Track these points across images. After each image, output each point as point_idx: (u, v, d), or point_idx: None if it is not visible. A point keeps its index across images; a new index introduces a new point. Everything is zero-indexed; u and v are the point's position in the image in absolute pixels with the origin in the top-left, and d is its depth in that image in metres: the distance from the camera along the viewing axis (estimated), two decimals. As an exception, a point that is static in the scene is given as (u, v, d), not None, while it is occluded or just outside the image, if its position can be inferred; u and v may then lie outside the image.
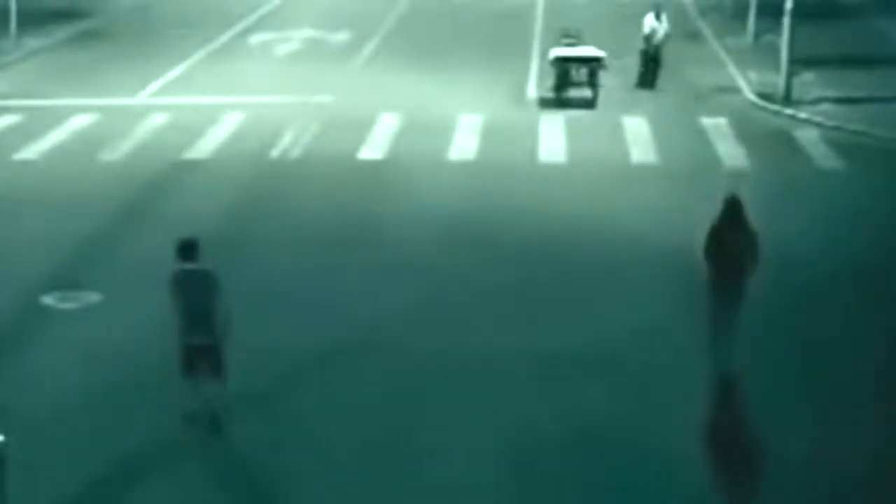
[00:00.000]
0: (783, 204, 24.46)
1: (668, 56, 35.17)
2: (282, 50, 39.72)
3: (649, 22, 33.54)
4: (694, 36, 41.95)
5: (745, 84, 34.14)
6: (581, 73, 32.14)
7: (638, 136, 29.39)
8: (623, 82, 34.43)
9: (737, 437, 15.32)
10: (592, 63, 31.90)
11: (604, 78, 32.63)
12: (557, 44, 33.91)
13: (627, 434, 15.44)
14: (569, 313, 19.11)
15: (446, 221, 23.32)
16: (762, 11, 37.62)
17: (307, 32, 42.74)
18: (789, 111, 31.30)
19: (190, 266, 15.00)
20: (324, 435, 15.37)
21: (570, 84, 32.19)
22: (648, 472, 14.54)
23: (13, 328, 18.47)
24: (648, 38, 33.50)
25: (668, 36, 33.53)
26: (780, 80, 32.27)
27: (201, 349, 15.08)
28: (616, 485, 14.29)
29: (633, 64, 35.52)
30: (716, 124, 30.45)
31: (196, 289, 14.91)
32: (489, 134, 29.49)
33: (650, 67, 33.63)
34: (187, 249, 15.00)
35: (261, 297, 19.54)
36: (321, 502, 13.89)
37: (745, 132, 29.73)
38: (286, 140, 28.85)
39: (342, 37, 41.91)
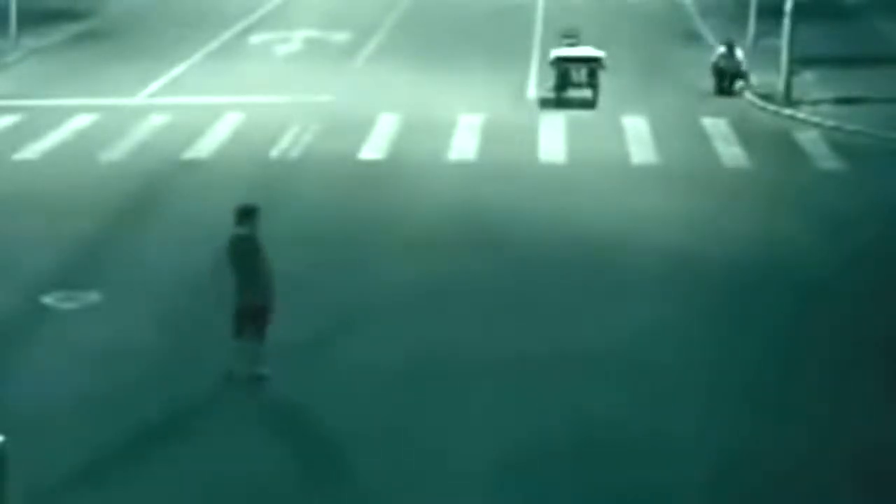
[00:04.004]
0: (783, 204, 24.46)
1: (668, 57, 35.18)
2: (282, 50, 39.72)
3: (718, 51, 33.93)
4: (694, 36, 41.95)
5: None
6: (581, 73, 32.16)
7: (638, 136, 29.38)
8: (623, 82, 34.43)
9: None
10: (592, 63, 31.91)
11: (603, 78, 32.63)
12: (557, 44, 33.93)
13: (628, 434, 15.44)
14: (569, 313, 19.10)
15: (446, 221, 23.32)
16: (762, 12, 37.64)
17: (307, 32, 42.74)
18: (789, 111, 31.30)
19: (238, 231, 16.14)
20: (323, 431, 15.40)
21: (570, 84, 32.20)
22: (651, 473, 14.54)
23: (13, 328, 18.47)
24: (717, 63, 33.60)
25: (740, 63, 33.32)
26: (780, 81, 32.27)
27: (250, 310, 16.20)
28: (618, 486, 14.29)
29: (631, 63, 35.52)
30: (716, 124, 30.45)
31: (242, 253, 16.06)
32: (489, 134, 29.48)
33: (729, 80, 33.37)
34: (238, 215, 16.17)
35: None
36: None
37: (746, 132, 29.73)
38: (286, 140, 28.85)
39: (342, 37, 41.91)
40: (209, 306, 18.31)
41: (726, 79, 33.34)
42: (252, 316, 16.34)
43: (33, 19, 42.71)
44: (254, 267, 16.17)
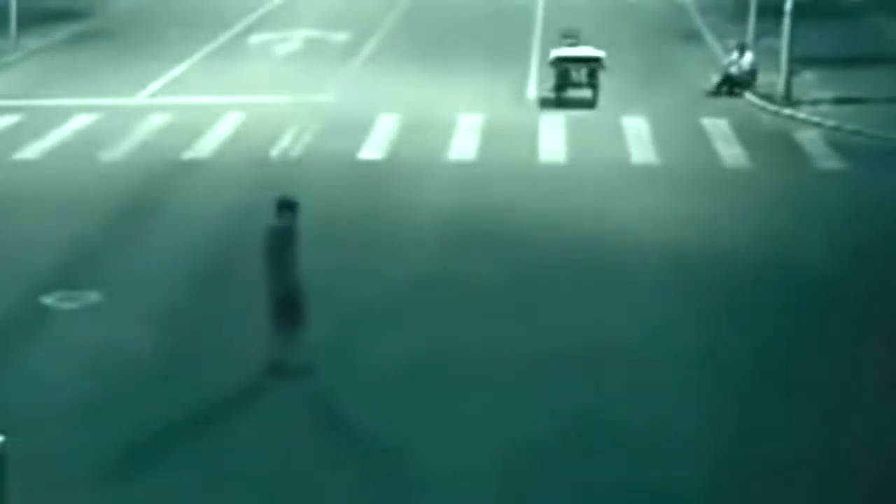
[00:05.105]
0: (783, 204, 24.46)
1: (668, 57, 35.14)
2: (282, 50, 39.72)
3: (731, 57, 33.99)
4: (694, 36, 41.95)
5: (745, 84, 34.16)
6: (581, 74, 32.15)
7: (638, 136, 29.38)
8: (623, 82, 34.43)
9: None
10: (592, 63, 31.91)
11: (603, 78, 32.61)
12: (557, 44, 33.93)
13: (628, 433, 15.44)
14: (569, 313, 19.11)
15: (446, 221, 23.32)
16: (762, 11, 37.64)
17: (307, 32, 42.74)
18: (789, 111, 31.30)
19: (276, 223, 16.49)
20: (325, 430, 15.41)
21: (570, 84, 32.19)
22: (651, 472, 14.54)
23: (13, 328, 18.47)
24: (726, 67, 33.64)
25: (752, 66, 33.24)
26: (780, 80, 32.27)
27: (285, 301, 16.53)
28: (618, 485, 14.29)
29: (631, 63, 35.52)
30: (716, 124, 30.45)
31: (279, 244, 16.42)
32: (489, 134, 29.48)
33: (730, 85, 33.32)
34: (278, 207, 16.57)
35: (259, 297, 19.50)
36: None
37: (745, 132, 29.73)
38: (286, 140, 28.85)
39: (342, 37, 41.91)
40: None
41: (734, 86, 33.19)
42: (288, 307, 16.66)
43: (33, 19, 42.70)
44: (289, 259, 16.53)
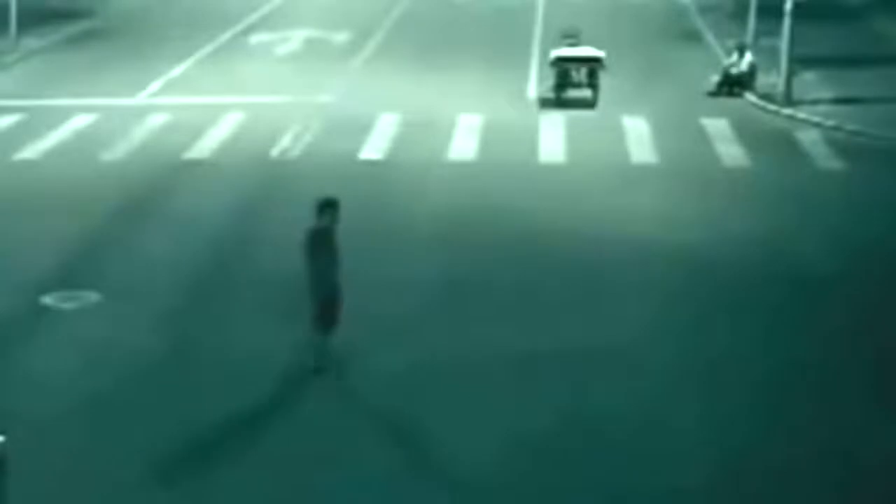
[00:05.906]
0: (783, 203, 24.47)
1: (668, 57, 35.13)
2: (282, 50, 39.72)
3: (730, 59, 34.01)
4: (693, 36, 41.96)
5: (745, 84, 34.16)
6: (581, 74, 32.16)
7: (638, 136, 29.38)
8: (623, 82, 34.43)
9: None
10: (592, 63, 31.92)
11: (603, 78, 32.61)
12: (557, 44, 33.93)
13: (629, 433, 15.45)
14: (569, 313, 19.11)
15: (446, 221, 23.33)
16: (762, 11, 37.66)
17: (307, 32, 42.75)
18: (789, 111, 31.30)
19: (319, 224, 16.56)
20: (324, 432, 15.42)
21: (570, 84, 32.20)
22: (650, 471, 14.55)
23: (13, 328, 18.48)
24: (727, 68, 33.61)
25: (751, 66, 33.22)
26: (780, 81, 32.27)
27: (328, 302, 16.64)
28: (618, 484, 14.29)
29: (631, 63, 35.55)
30: (716, 124, 30.45)
31: (321, 245, 16.42)
32: (489, 134, 29.49)
33: (729, 85, 33.28)
34: (320, 207, 16.57)
35: (259, 298, 19.55)
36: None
37: (745, 132, 29.73)
38: (286, 140, 28.86)
39: (342, 37, 41.91)
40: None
41: (734, 86, 33.17)
42: (329, 307, 16.71)
43: (33, 19, 42.70)
44: (330, 260, 16.53)
